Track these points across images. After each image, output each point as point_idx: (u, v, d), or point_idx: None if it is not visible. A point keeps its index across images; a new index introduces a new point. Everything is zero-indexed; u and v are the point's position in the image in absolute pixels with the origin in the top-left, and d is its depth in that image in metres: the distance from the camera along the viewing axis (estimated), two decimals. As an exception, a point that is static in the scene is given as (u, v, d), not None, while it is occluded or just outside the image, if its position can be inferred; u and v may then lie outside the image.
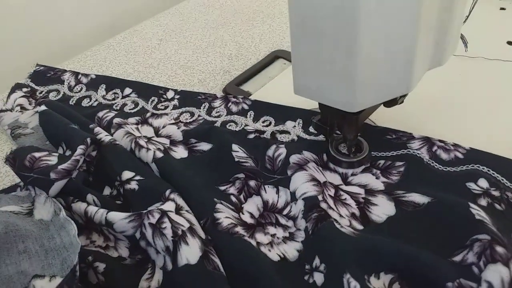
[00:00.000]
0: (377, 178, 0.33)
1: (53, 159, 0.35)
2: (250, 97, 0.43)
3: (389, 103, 0.31)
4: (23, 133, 0.41)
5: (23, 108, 0.45)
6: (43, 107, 0.41)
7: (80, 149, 0.35)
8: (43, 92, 0.48)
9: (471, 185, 0.31)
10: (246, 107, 0.42)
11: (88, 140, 0.36)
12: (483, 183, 0.31)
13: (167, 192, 0.31)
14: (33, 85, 0.49)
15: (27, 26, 0.58)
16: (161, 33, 0.57)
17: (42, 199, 0.31)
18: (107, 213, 0.30)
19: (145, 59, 0.52)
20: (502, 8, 0.53)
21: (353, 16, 0.24)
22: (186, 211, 0.30)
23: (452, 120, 0.38)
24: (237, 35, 0.54)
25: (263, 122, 0.40)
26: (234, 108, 0.42)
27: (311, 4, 0.25)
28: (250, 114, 0.41)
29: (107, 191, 0.35)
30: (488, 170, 0.32)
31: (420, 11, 0.24)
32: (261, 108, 0.41)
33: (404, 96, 0.30)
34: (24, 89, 0.48)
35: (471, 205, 0.28)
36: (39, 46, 0.59)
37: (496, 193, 0.30)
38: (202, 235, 0.29)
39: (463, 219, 0.27)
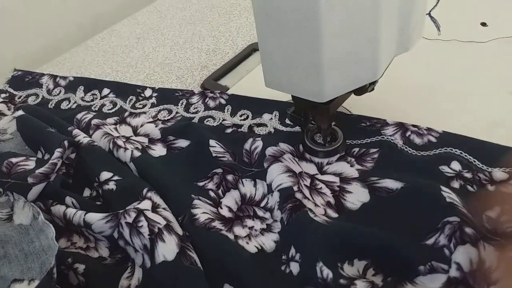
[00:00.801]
0: (351, 166, 0.33)
1: (30, 164, 0.35)
2: (227, 92, 0.43)
3: (359, 91, 0.31)
4: (2, 139, 0.41)
5: (1, 114, 0.45)
6: (20, 112, 0.41)
7: (57, 152, 0.35)
8: (22, 97, 0.48)
9: (444, 168, 0.31)
10: (223, 101, 0.42)
11: (66, 142, 0.36)
12: (455, 165, 0.31)
13: (144, 190, 0.32)
14: (12, 90, 0.49)
15: (4, 30, 0.58)
16: (139, 32, 0.57)
17: (21, 204, 0.32)
18: (85, 215, 0.30)
19: (123, 58, 0.52)
20: (476, -10, 0.53)
21: (314, 10, 0.24)
22: (163, 208, 0.31)
23: (428, 104, 0.38)
24: (215, 30, 0.54)
25: (240, 116, 0.40)
26: (211, 104, 0.42)
27: (273, 2, 0.25)
28: (228, 109, 0.41)
29: (86, 192, 0.36)
30: (461, 153, 0.32)
31: (380, 1, 0.25)
32: (238, 102, 0.41)
33: (374, 83, 0.31)
34: (3, 95, 0.48)
35: (443, 188, 0.28)
36: (16, 49, 0.59)
37: (468, 175, 0.30)
38: (179, 231, 0.29)
39: (434, 203, 0.28)
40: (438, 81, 0.41)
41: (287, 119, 0.38)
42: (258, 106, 0.40)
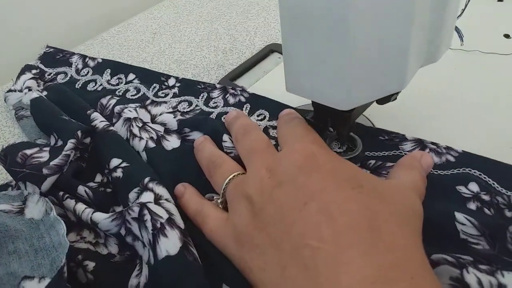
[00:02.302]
0: None
1: (44, 155, 0.35)
2: (248, 90, 0.42)
3: (382, 101, 0.30)
4: (25, 115, 0.42)
5: (31, 91, 0.45)
6: (35, 94, 0.42)
7: (70, 143, 0.35)
8: (52, 74, 0.49)
9: (461, 189, 0.30)
10: (243, 99, 0.41)
11: (79, 133, 0.36)
12: (473, 187, 0.30)
13: (146, 180, 0.31)
14: (43, 67, 0.50)
15: (22, 23, 0.57)
16: (155, 27, 0.56)
17: (35, 198, 0.31)
18: (92, 213, 0.30)
19: (139, 53, 0.51)
20: (500, 0, 0.52)
21: (344, 15, 0.23)
22: (166, 199, 0.30)
23: (448, 115, 0.38)
24: (232, 28, 0.54)
25: (258, 116, 0.40)
26: (231, 100, 0.42)
27: (302, 7, 0.25)
28: (247, 107, 0.41)
29: (98, 178, 0.36)
30: (480, 174, 0.31)
31: (413, 10, 0.24)
32: (257, 102, 0.41)
33: (397, 93, 0.30)
34: (34, 71, 0.48)
35: (457, 217, 0.27)
36: (29, 39, 0.58)
37: (486, 197, 0.29)
38: (181, 225, 0.28)
39: (447, 236, 0.27)
40: (459, 92, 0.40)
41: None
42: (277, 108, 0.39)
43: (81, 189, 0.32)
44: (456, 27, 0.35)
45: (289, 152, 0.28)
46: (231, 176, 0.30)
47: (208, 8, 0.59)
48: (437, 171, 0.32)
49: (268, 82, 0.44)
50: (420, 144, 0.34)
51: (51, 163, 0.33)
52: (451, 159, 0.33)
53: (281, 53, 0.48)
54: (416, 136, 0.35)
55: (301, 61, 0.28)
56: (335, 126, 0.34)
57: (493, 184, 0.30)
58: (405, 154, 0.33)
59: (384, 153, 0.34)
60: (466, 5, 0.38)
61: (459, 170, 0.32)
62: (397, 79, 0.27)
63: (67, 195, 0.32)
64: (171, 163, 0.35)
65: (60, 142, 0.37)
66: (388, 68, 0.26)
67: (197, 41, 0.52)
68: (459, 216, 0.27)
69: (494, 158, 0.33)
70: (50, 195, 0.33)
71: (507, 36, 0.46)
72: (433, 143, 0.34)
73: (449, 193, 0.30)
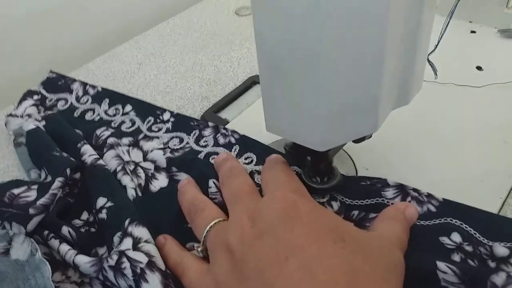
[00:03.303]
0: None
1: (32, 194, 0.35)
2: (235, 130, 0.43)
3: (358, 140, 0.32)
4: (23, 142, 0.43)
5: (34, 120, 0.46)
6: (32, 125, 0.42)
7: (57, 182, 0.35)
8: (53, 100, 0.50)
9: (445, 240, 0.30)
10: (233, 140, 0.42)
11: (68, 171, 0.36)
12: (456, 237, 0.30)
13: (126, 222, 0.32)
14: (44, 92, 0.51)
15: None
16: (140, 57, 0.57)
17: (21, 238, 0.32)
18: (75, 255, 0.30)
19: (124, 84, 0.52)
20: (473, 31, 0.54)
21: (318, 65, 0.25)
22: (145, 241, 0.30)
23: (423, 147, 0.39)
24: (216, 59, 0.55)
25: (245, 159, 0.40)
26: (221, 140, 0.42)
27: (277, 52, 0.26)
28: (235, 149, 0.41)
29: (84, 216, 0.36)
30: (461, 224, 0.31)
31: (383, 59, 0.25)
32: (246, 144, 0.41)
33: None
34: (35, 97, 0.50)
35: (439, 266, 0.27)
36: (14, 71, 0.59)
37: (469, 248, 0.29)
38: (162, 266, 0.29)
39: (427, 280, 0.27)
40: (434, 125, 0.41)
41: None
42: (265, 152, 0.39)
43: (65, 230, 0.33)
44: (429, 61, 0.37)
45: (270, 200, 0.29)
46: (212, 223, 0.30)
47: (193, 38, 0.60)
48: (419, 222, 0.32)
49: (251, 114, 0.46)
50: (402, 191, 0.34)
51: (38, 202, 0.33)
52: (432, 208, 0.33)
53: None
54: (393, 169, 0.36)
55: (278, 103, 0.29)
56: (313, 163, 0.35)
57: (475, 234, 0.30)
58: (388, 201, 0.33)
59: (367, 201, 0.34)
60: (439, 40, 0.40)
61: (440, 220, 0.32)
62: (369, 123, 0.28)
63: (51, 234, 0.33)
64: (155, 206, 0.36)
65: (49, 178, 0.38)
66: (360, 112, 0.27)
67: (182, 72, 0.53)
68: (441, 264, 0.27)
69: (468, 191, 0.34)
70: (35, 235, 0.33)
71: (479, 68, 0.48)
72: (414, 190, 0.34)
73: (433, 245, 0.30)
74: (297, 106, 0.28)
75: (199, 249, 0.30)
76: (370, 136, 0.32)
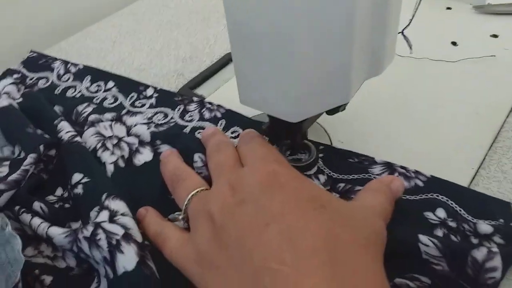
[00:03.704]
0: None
1: (3, 170, 0.35)
2: (222, 105, 0.42)
3: (331, 112, 0.32)
4: None
5: (10, 98, 0.45)
6: (5, 102, 0.42)
7: (30, 158, 0.35)
8: (33, 79, 0.49)
9: (429, 215, 0.30)
10: (219, 115, 0.42)
11: (41, 147, 0.36)
12: (440, 213, 0.30)
13: (103, 196, 0.31)
14: (25, 71, 0.50)
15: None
16: (114, 35, 0.56)
17: (-11, 214, 0.31)
18: (48, 228, 0.30)
19: (98, 62, 0.51)
20: (448, 8, 0.54)
21: (287, 39, 0.25)
22: (122, 214, 0.30)
23: (398, 121, 0.39)
24: (192, 36, 0.54)
25: (232, 133, 0.40)
26: (207, 115, 0.42)
27: (247, 24, 0.26)
28: (221, 123, 0.41)
29: (59, 192, 0.36)
30: (447, 200, 0.31)
31: (353, 28, 0.25)
32: (233, 119, 0.41)
33: (345, 104, 0.31)
34: (15, 75, 0.49)
35: (421, 238, 0.27)
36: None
37: (453, 224, 0.29)
38: (139, 238, 0.29)
39: (408, 252, 0.27)
40: (409, 99, 0.42)
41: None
42: (252, 126, 0.39)
43: (37, 205, 0.32)
44: (404, 35, 0.37)
45: (252, 170, 0.28)
46: (194, 192, 0.30)
47: (168, 16, 0.59)
48: (405, 196, 0.32)
49: (228, 91, 0.45)
50: (389, 168, 0.34)
51: (9, 178, 0.33)
52: (420, 183, 0.33)
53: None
54: (367, 142, 0.36)
55: (250, 75, 0.29)
56: (288, 135, 0.35)
57: (460, 210, 0.31)
58: (374, 177, 0.34)
59: (354, 176, 0.34)
60: (413, 15, 0.40)
61: (427, 195, 0.32)
62: (341, 93, 0.28)
63: (23, 209, 0.32)
64: (139, 179, 0.35)
65: (22, 154, 0.37)
66: (331, 82, 0.27)
67: (157, 50, 0.53)
68: (423, 237, 0.27)
69: (441, 163, 0.34)
70: (5, 210, 0.33)
71: (454, 43, 0.48)
72: (402, 167, 0.34)
73: (417, 219, 0.30)
74: (269, 77, 0.28)
75: (180, 217, 0.30)
76: (344, 108, 0.32)
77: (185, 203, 0.30)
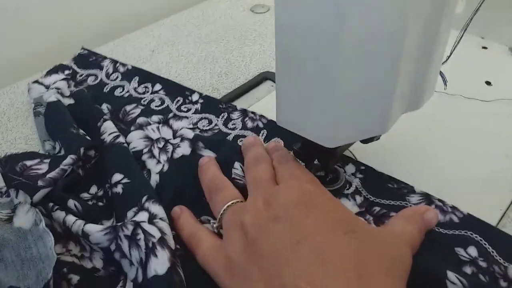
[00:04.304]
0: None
1: (43, 167, 0.36)
2: (265, 116, 0.44)
3: (366, 140, 0.32)
4: (42, 113, 0.43)
5: (60, 94, 0.46)
6: (53, 97, 0.43)
7: (69, 159, 0.36)
8: (83, 75, 0.51)
9: (460, 251, 0.30)
10: (261, 125, 0.43)
11: (82, 150, 0.37)
12: (472, 251, 0.30)
13: (144, 199, 0.32)
14: (76, 68, 0.52)
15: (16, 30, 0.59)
16: (153, 44, 0.58)
17: (26, 207, 0.32)
18: (84, 225, 0.31)
19: (136, 69, 0.53)
20: (484, 47, 0.55)
21: (332, 63, 0.25)
22: (160, 218, 0.31)
23: (426, 153, 0.40)
24: (228, 53, 0.55)
25: None
26: (249, 124, 0.43)
27: (294, 47, 0.26)
28: (263, 133, 0.42)
29: (93, 190, 0.37)
30: (481, 240, 0.31)
31: (400, 60, 0.26)
32: (274, 129, 0.42)
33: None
34: (66, 71, 0.51)
35: (449, 275, 0.27)
36: (22, 51, 0.60)
37: (483, 264, 0.29)
38: (172, 245, 0.29)
39: (433, 286, 0.27)
40: (440, 134, 0.42)
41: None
42: (293, 138, 0.39)
43: (71, 203, 0.33)
44: (440, 71, 0.37)
45: (287, 188, 0.29)
46: (230, 203, 0.31)
47: (207, 31, 0.61)
48: (438, 229, 0.32)
49: (260, 108, 0.46)
50: (427, 199, 0.34)
51: (47, 175, 0.34)
52: (455, 219, 0.33)
53: (274, 82, 0.50)
54: (395, 174, 0.37)
55: (291, 98, 0.29)
56: (321, 159, 0.35)
57: (492, 252, 0.30)
58: (410, 206, 0.34)
59: (390, 202, 0.34)
60: (451, 52, 0.41)
61: (460, 232, 0.32)
62: (380, 123, 0.29)
63: (56, 206, 0.33)
64: (177, 172, 0.36)
65: (62, 152, 0.38)
66: (371, 112, 0.28)
67: (194, 62, 0.54)
68: (451, 275, 0.27)
69: (468, 201, 0.34)
70: (39, 206, 0.33)
71: (488, 83, 0.49)
72: (439, 200, 0.34)
73: (447, 252, 0.30)
74: (310, 101, 0.28)
75: (215, 225, 0.31)
76: (378, 138, 0.33)
77: (221, 213, 0.31)
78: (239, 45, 0.57)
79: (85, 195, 0.36)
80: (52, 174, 0.34)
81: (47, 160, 0.36)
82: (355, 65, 0.25)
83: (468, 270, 0.29)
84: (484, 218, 0.32)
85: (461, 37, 0.41)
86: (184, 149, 0.39)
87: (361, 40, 0.24)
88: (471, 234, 0.31)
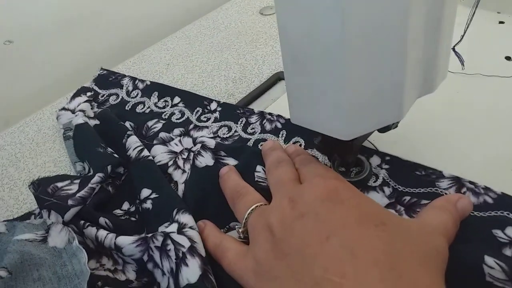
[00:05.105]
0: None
1: (73, 188, 0.37)
2: (282, 115, 0.44)
3: (383, 129, 0.32)
4: (71, 136, 0.45)
5: (85, 116, 0.48)
6: (81, 120, 0.45)
7: (97, 177, 0.37)
8: (105, 96, 0.52)
9: (498, 233, 0.29)
10: (279, 125, 0.43)
11: (109, 168, 0.38)
12: (510, 232, 0.29)
13: (174, 212, 0.33)
14: (97, 88, 0.54)
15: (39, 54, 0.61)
16: (168, 58, 0.59)
17: (59, 227, 0.33)
18: (116, 238, 0.32)
19: (153, 84, 0.54)
20: (501, 22, 0.53)
21: (340, 57, 0.25)
22: (190, 227, 0.32)
23: (451, 139, 0.39)
24: (241, 57, 0.56)
25: (293, 143, 0.41)
26: (268, 126, 0.43)
27: (300, 45, 0.27)
28: (282, 134, 0.42)
29: (125, 206, 0.38)
30: None
31: (406, 46, 0.26)
32: (293, 128, 0.42)
33: (397, 122, 0.32)
34: (88, 93, 0.52)
35: (487, 260, 0.26)
36: (46, 72, 0.62)
37: None
38: (203, 252, 0.30)
39: (472, 276, 0.26)
40: (462, 116, 0.41)
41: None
42: (312, 135, 0.39)
43: (102, 220, 0.34)
44: (456, 52, 0.36)
45: (312, 185, 0.29)
46: (253, 206, 0.31)
47: (219, 38, 0.61)
48: (473, 212, 0.31)
49: (277, 109, 0.46)
50: (458, 182, 0.33)
51: (77, 195, 0.35)
52: (489, 200, 0.32)
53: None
54: (419, 160, 0.36)
55: (302, 94, 0.29)
56: (340, 153, 0.35)
57: None
58: (442, 191, 0.33)
59: (420, 190, 0.33)
60: (465, 31, 0.40)
61: (496, 213, 0.31)
62: (394, 111, 0.28)
63: (88, 223, 0.34)
64: (200, 181, 0.37)
65: (91, 172, 0.40)
66: (384, 101, 0.28)
67: (208, 71, 0.55)
68: (489, 259, 0.26)
69: (495, 181, 0.34)
70: (70, 224, 0.35)
71: (508, 58, 0.47)
72: (471, 182, 0.33)
73: (484, 236, 0.29)
74: (321, 96, 0.28)
75: (240, 230, 0.31)
76: (396, 126, 0.32)
77: (245, 217, 0.31)
78: (251, 49, 0.57)
79: (117, 212, 0.37)
80: (81, 193, 0.35)
81: (77, 181, 0.37)
82: (361, 56, 0.25)
83: (508, 252, 0.28)
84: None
85: (473, 14, 0.40)
86: (207, 159, 0.39)
87: (364, 31, 0.24)
88: (508, 214, 0.30)
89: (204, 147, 0.41)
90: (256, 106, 0.47)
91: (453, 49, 0.36)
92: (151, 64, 0.58)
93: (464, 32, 0.40)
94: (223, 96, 0.50)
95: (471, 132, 0.39)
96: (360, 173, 0.35)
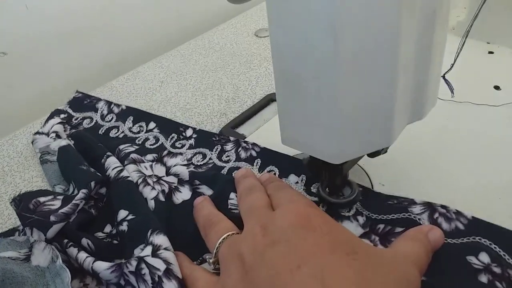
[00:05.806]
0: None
1: (56, 203, 0.37)
2: (257, 143, 0.43)
3: (373, 154, 0.32)
4: (50, 160, 0.44)
5: (57, 136, 0.48)
6: (64, 142, 0.44)
7: (81, 193, 0.37)
8: (78, 119, 0.51)
9: (472, 259, 0.29)
10: (254, 154, 0.43)
11: (92, 183, 0.38)
12: (484, 257, 0.29)
13: (148, 234, 0.32)
14: (71, 111, 0.53)
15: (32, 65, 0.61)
16: (162, 75, 0.59)
17: (42, 245, 0.33)
18: (93, 262, 0.31)
19: (146, 101, 0.54)
20: (490, 52, 0.54)
21: (332, 80, 0.25)
22: (165, 248, 0.31)
23: (439, 165, 0.39)
24: (235, 78, 0.56)
25: (268, 172, 0.40)
26: (243, 154, 0.43)
27: (293, 67, 0.27)
28: (257, 162, 0.42)
29: (107, 229, 0.37)
30: (490, 244, 0.30)
31: (396, 73, 0.26)
32: (268, 157, 0.42)
33: (387, 147, 0.32)
34: (62, 115, 0.51)
35: None
36: (40, 87, 0.62)
37: (497, 270, 0.28)
38: (179, 274, 0.29)
39: None
40: (451, 143, 0.41)
41: (313, 186, 0.38)
42: (287, 164, 0.40)
43: (84, 241, 0.34)
44: (446, 79, 0.37)
45: (284, 212, 0.29)
46: (225, 235, 0.30)
47: (213, 58, 0.62)
48: (446, 239, 0.31)
49: (268, 130, 0.46)
50: (430, 207, 0.34)
51: (60, 211, 0.34)
52: (461, 226, 0.32)
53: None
54: (408, 185, 0.36)
55: (294, 116, 0.30)
56: (329, 176, 0.35)
57: (504, 255, 0.29)
58: (414, 216, 0.33)
59: (394, 216, 0.33)
60: (455, 60, 0.41)
61: (468, 239, 0.31)
62: (384, 136, 0.28)
63: (70, 243, 0.34)
64: (176, 217, 0.36)
65: (76, 191, 0.39)
66: (374, 126, 0.28)
67: (202, 90, 0.55)
68: None
69: (483, 209, 0.34)
70: (54, 242, 0.34)
71: (497, 87, 0.48)
72: (443, 207, 0.33)
73: (459, 264, 0.29)
74: (312, 118, 0.28)
75: (211, 260, 0.30)
76: (386, 151, 0.33)
77: (216, 246, 0.30)
78: (245, 69, 0.58)
79: (100, 234, 0.37)
80: (65, 209, 0.34)
81: (60, 197, 0.37)
82: (353, 81, 0.26)
83: (483, 278, 0.28)
84: (499, 221, 0.32)
85: (463, 44, 0.41)
86: (185, 194, 0.39)
87: (356, 56, 0.25)
88: (480, 239, 0.31)
89: (180, 181, 0.40)
90: (248, 126, 0.48)
91: (443, 77, 0.36)
92: (145, 81, 0.58)
93: (454, 61, 0.40)
94: (215, 115, 0.50)
95: (459, 158, 0.40)
96: (347, 193, 0.35)
